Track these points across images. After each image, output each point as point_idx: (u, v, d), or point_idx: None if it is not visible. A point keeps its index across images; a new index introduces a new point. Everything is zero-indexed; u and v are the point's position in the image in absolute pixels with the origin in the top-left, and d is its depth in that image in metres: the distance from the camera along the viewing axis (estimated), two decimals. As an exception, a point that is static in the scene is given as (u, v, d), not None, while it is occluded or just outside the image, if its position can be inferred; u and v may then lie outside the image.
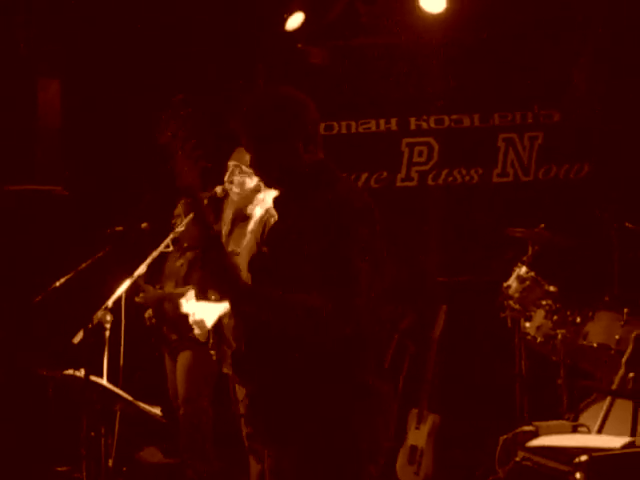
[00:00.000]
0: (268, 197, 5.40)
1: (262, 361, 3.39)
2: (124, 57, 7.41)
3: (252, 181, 5.47)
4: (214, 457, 6.48)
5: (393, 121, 7.81)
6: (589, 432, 4.77)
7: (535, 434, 4.57)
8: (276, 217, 4.99)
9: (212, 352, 5.61)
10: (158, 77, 7.24)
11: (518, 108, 7.67)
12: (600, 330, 6.05)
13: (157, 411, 4.98)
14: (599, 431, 5.25)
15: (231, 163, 5.56)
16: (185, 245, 6.53)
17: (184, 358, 6.33)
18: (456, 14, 7.33)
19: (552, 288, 6.29)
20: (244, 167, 5.44)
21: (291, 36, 7.55)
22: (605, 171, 7.43)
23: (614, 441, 4.26)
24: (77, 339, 5.07)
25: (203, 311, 5.58)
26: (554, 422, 4.83)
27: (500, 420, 6.20)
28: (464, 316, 7.06)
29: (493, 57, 7.57)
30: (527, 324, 6.31)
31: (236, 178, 5.52)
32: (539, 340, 6.23)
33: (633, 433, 4.98)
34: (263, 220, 5.34)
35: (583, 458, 3.94)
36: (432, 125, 7.78)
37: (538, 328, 6.25)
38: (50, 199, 7.18)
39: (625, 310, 5.92)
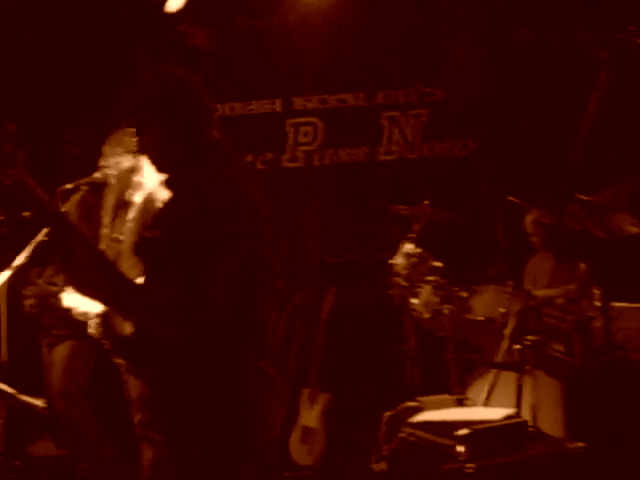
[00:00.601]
0: (145, 180, 5.33)
1: (154, 347, 3.37)
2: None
3: (127, 162, 5.41)
4: (104, 447, 6.39)
5: (277, 102, 7.78)
6: (473, 405, 4.83)
7: (419, 409, 4.61)
8: (158, 201, 4.96)
9: (104, 342, 5.51)
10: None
11: (401, 86, 7.70)
12: (485, 304, 6.12)
13: (40, 403, 4.87)
14: (485, 404, 5.34)
15: (105, 149, 5.51)
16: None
17: (62, 350, 6.21)
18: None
19: (438, 264, 6.35)
20: (116, 148, 5.41)
21: (172, 18, 7.45)
22: (489, 147, 7.52)
23: (496, 413, 4.33)
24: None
25: (85, 303, 5.47)
26: (438, 397, 4.89)
27: (391, 397, 6.24)
28: (353, 295, 7.09)
29: (376, 36, 7.58)
30: (414, 300, 6.35)
31: (111, 160, 5.47)
32: (426, 316, 6.27)
33: (517, 404, 5.07)
34: (144, 207, 5.27)
35: (463, 432, 4.00)
36: (316, 105, 7.77)
37: (425, 304, 6.29)
38: None
39: (509, 283, 6.01)
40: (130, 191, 5.42)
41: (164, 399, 3.35)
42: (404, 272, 6.40)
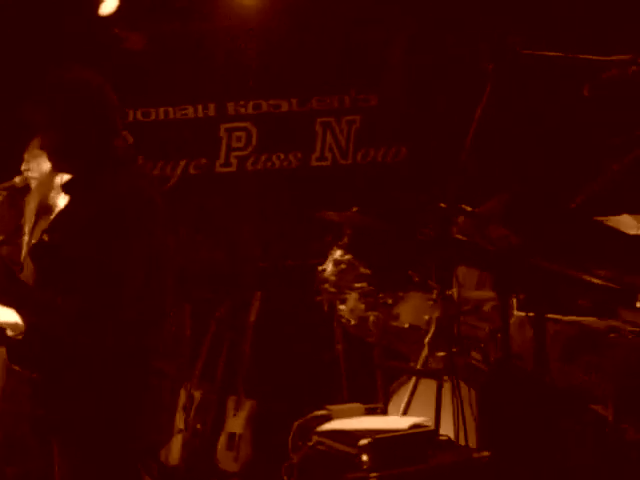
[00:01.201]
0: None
1: (46, 349, 3.37)
2: None
3: (47, 164, 5.36)
4: (37, 453, 6.33)
5: (211, 107, 7.75)
6: (383, 414, 4.83)
7: (328, 418, 4.60)
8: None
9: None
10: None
11: (335, 92, 7.70)
12: (410, 311, 6.13)
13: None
14: (404, 412, 5.35)
15: (27, 155, 5.44)
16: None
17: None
18: (272, -1, 7.35)
19: (366, 271, 6.36)
20: (37, 151, 5.35)
21: (106, 21, 7.41)
22: (421, 154, 7.53)
23: (404, 422, 4.32)
24: None
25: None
26: (348, 405, 4.88)
27: (318, 404, 6.23)
28: (282, 301, 7.08)
29: (311, 41, 7.59)
30: (342, 307, 6.35)
31: (32, 164, 5.41)
32: (353, 322, 6.27)
33: (437, 412, 5.08)
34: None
35: (364, 441, 3.99)
36: (250, 110, 7.74)
37: (352, 311, 6.29)
38: None
39: (435, 291, 6.01)
40: (52, 194, 5.39)
41: (56, 396, 3.37)
42: (333, 278, 6.40)
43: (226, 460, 6.47)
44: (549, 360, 3.54)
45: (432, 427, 4.33)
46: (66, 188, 3.59)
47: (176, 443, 6.66)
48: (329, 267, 6.41)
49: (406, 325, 6.09)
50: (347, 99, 7.70)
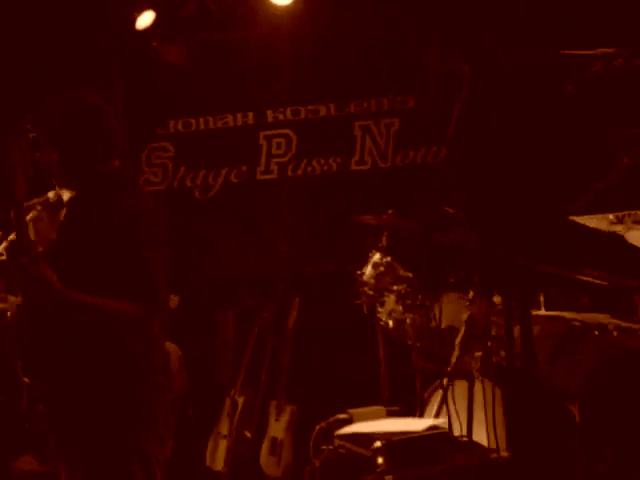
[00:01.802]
0: None
1: (50, 358, 3.47)
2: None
3: None
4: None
5: (250, 115, 7.81)
6: (405, 416, 4.84)
7: (349, 421, 4.63)
8: None
9: None
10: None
11: (373, 95, 7.70)
12: (447, 312, 6.12)
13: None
14: (437, 414, 5.33)
15: None
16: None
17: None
18: (306, 4, 7.36)
19: (405, 273, 6.35)
20: None
21: (143, 35, 7.53)
22: (458, 155, 7.48)
23: (421, 424, 4.33)
24: None
25: None
26: (369, 408, 4.90)
27: (360, 407, 6.24)
28: (323, 306, 7.11)
29: (346, 45, 7.60)
30: (380, 309, 6.36)
31: None
32: (391, 325, 6.28)
33: (469, 413, 5.06)
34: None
35: (377, 444, 4.01)
36: (289, 116, 7.78)
37: (390, 313, 6.30)
38: None
39: (471, 292, 5.99)
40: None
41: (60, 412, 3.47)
42: (371, 281, 6.41)
43: (269, 465, 6.51)
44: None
45: (447, 429, 4.32)
46: (72, 205, 3.68)
47: (221, 449, 6.73)
48: (368, 270, 6.43)
49: (443, 326, 6.08)
50: (385, 102, 7.69)
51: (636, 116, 4.64)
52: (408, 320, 6.19)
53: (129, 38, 7.58)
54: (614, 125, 3.73)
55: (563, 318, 3.95)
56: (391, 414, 4.92)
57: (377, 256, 6.43)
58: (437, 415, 5.27)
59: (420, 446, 4.11)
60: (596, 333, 3.57)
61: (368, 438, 4.18)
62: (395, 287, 6.32)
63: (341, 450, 4.33)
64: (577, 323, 3.80)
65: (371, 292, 6.42)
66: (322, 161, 7.75)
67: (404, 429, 4.24)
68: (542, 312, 4.73)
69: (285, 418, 6.54)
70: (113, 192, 3.56)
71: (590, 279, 3.39)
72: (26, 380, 4.33)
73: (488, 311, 5.67)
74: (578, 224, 3.75)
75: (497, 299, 6.08)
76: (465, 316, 5.58)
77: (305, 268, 7.58)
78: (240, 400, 6.82)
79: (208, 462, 6.83)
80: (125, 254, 3.40)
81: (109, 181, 3.58)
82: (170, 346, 7.50)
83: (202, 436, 7.04)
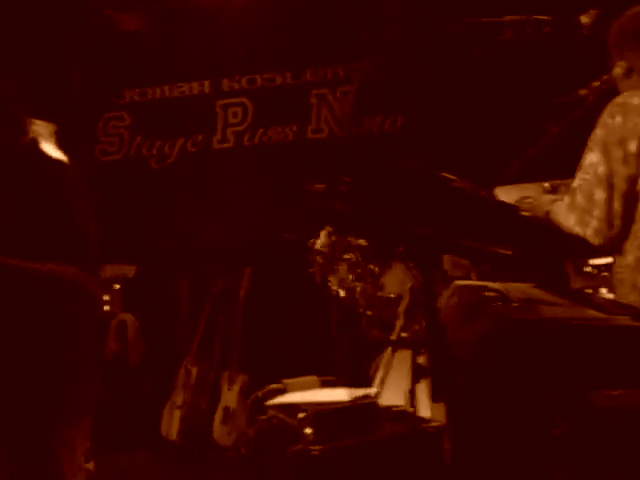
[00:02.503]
0: None
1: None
2: None
3: None
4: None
5: (206, 83, 7.76)
6: (337, 386, 4.82)
7: (282, 391, 4.62)
8: None
9: None
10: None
11: (329, 63, 7.66)
12: (395, 281, 6.11)
13: None
14: (381, 384, 5.33)
15: None
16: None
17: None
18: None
19: (357, 242, 6.33)
20: None
21: (98, 3, 7.49)
22: (418, 122, 7.46)
23: (352, 394, 4.31)
24: None
25: None
26: (303, 378, 4.88)
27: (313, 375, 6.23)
28: (276, 276, 7.10)
29: (303, 12, 7.54)
30: (332, 278, 6.35)
31: None
32: (342, 294, 6.27)
33: (413, 383, 5.06)
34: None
35: (301, 415, 4.00)
36: (244, 85, 7.74)
37: (341, 282, 6.29)
38: None
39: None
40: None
41: None
42: (324, 250, 6.39)
43: (221, 434, 6.53)
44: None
45: (377, 399, 4.31)
46: None
47: (175, 418, 6.74)
48: (321, 238, 6.40)
49: (392, 295, 6.07)
50: (341, 69, 7.65)
51: (554, 84, 4.62)
52: (358, 289, 6.18)
53: (84, 7, 7.52)
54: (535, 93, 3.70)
55: (479, 287, 3.95)
56: (325, 384, 4.91)
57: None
58: (382, 384, 5.27)
59: (348, 416, 4.09)
60: (497, 304, 3.57)
61: (297, 408, 4.17)
62: (346, 256, 6.31)
63: (273, 420, 4.32)
64: (490, 293, 3.79)
65: (324, 261, 6.41)
66: (279, 130, 7.71)
67: (334, 399, 4.23)
68: (465, 282, 4.73)
69: (237, 387, 6.55)
70: (31, 162, 3.53)
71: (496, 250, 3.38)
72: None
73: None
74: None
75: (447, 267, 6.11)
76: (409, 285, 5.58)
77: (260, 238, 7.56)
78: (194, 370, 6.83)
79: (163, 432, 6.84)
80: (49, 217, 3.38)
81: (24, 154, 3.56)
82: (127, 316, 7.53)
83: (158, 406, 7.05)
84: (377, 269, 6.18)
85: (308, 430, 4.06)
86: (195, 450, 6.59)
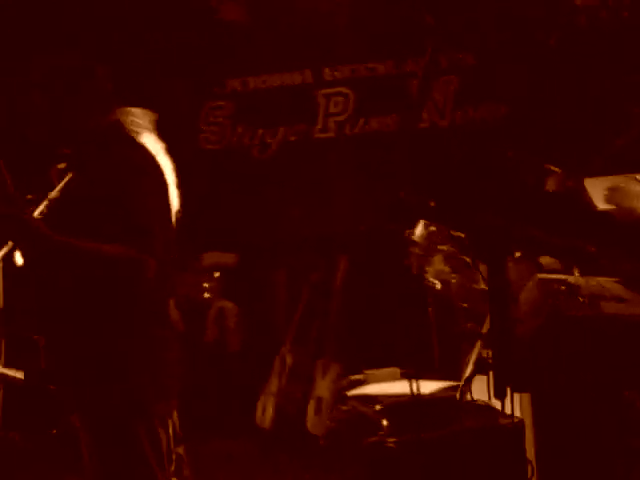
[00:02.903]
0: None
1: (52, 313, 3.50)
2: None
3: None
4: None
5: (307, 73, 7.76)
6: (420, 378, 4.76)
7: (363, 382, 4.59)
8: None
9: None
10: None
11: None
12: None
13: (20, 375, 5.00)
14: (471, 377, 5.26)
15: None
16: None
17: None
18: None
19: (455, 233, 6.26)
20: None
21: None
22: (522, 112, 7.32)
23: (432, 386, 4.27)
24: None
25: None
26: (385, 370, 4.85)
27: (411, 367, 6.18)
28: (374, 266, 7.06)
29: (404, 1, 7.48)
30: (428, 269, 6.29)
31: None
32: (438, 286, 6.21)
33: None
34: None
35: (378, 407, 3.97)
36: (346, 74, 7.72)
37: (437, 273, 6.23)
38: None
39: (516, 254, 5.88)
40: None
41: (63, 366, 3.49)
42: (421, 241, 6.34)
43: (314, 424, 6.52)
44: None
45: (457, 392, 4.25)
46: (73, 159, 3.71)
47: (269, 407, 6.77)
48: (418, 229, 6.35)
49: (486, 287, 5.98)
50: (443, 59, 7.56)
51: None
52: (454, 281, 6.11)
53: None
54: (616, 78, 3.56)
55: (556, 281, 3.85)
56: (405, 376, 4.85)
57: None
58: (471, 378, 5.20)
59: (425, 409, 4.04)
60: (560, 298, 3.47)
61: (375, 400, 4.15)
62: (442, 247, 6.24)
63: (352, 411, 4.31)
64: (562, 287, 3.70)
65: (420, 252, 6.35)
66: (380, 119, 7.66)
67: (414, 391, 4.18)
68: (547, 275, 4.65)
69: (330, 377, 6.53)
70: (110, 145, 3.56)
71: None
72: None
73: (531, 273, 5.58)
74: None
75: (544, 260, 5.99)
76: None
77: (358, 228, 7.52)
78: (289, 358, 6.84)
79: (258, 420, 6.88)
80: (119, 203, 3.39)
81: (105, 135, 3.59)
82: (226, 303, 7.60)
83: (255, 393, 7.09)
84: (473, 262, 6.11)
85: (384, 422, 4.04)
86: (288, 439, 6.61)
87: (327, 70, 7.74)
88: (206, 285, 7.73)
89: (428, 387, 4.31)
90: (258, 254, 7.64)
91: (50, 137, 3.69)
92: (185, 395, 7.15)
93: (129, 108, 5.65)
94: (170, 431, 3.58)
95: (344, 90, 7.73)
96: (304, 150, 7.72)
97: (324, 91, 7.76)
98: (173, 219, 3.60)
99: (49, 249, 3.36)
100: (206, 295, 7.73)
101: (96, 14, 7.47)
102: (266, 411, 6.77)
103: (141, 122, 5.64)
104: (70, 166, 3.68)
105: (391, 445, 3.95)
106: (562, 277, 3.95)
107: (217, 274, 7.73)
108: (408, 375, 4.93)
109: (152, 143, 5.18)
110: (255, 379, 7.19)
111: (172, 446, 4.98)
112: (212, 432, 6.83)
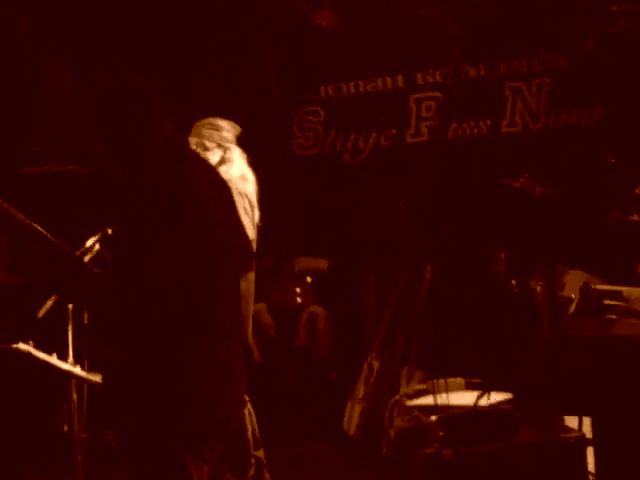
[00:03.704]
0: (231, 170, 5.51)
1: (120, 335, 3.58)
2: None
3: (215, 156, 5.52)
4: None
5: (399, 78, 7.74)
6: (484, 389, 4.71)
7: (425, 392, 4.57)
8: (241, 193, 5.23)
9: None
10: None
11: (524, 55, 7.47)
12: (577, 282, 5.94)
13: (97, 379, 5.12)
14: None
15: (192, 140, 5.60)
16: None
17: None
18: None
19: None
20: (207, 143, 5.51)
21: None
22: (617, 115, 7.17)
23: (497, 397, 4.22)
24: (42, 312, 5.29)
25: None
26: (450, 379, 4.79)
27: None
28: (461, 270, 7.00)
29: (495, 4, 7.39)
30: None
31: (202, 153, 5.54)
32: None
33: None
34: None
35: (433, 418, 3.95)
36: (438, 79, 7.67)
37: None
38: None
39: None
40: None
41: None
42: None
43: (399, 431, 6.50)
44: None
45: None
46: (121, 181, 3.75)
47: (355, 412, 6.77)
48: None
49: (572, 295, 5.89)
50: (536, 61, 7.44)
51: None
52: (538, 288, 6.05)
53: (279, 4, 7.68)
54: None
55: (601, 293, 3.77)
56: (470, 386, 4.80)
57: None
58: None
59: (483, 421, 4.00)
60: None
61: (434, 410, 4.13)
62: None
63: (412, 422, 4.29)
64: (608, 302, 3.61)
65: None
66: (472, 124, 7.60)
67: (471, 403, 4.14)
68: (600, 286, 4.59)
69: (414, 384, 6.49)
70: (160, 162, 3.57)
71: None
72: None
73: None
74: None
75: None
76: (581, 284, 5.41)
77: (448, 233, 7.45)
78: (376, 364, 6.83)
79: (345, 426, 6.89)
80: (126, 234, 3.42)
81: (158, 152, 3.61)
82: (318, 308, 7.65)
83: (343, 398, 7.10)
84: (557, 270, 6.03)
85: (441, 433, 4.01)
86: (373, 445, 6.59)
87: (419, 74, 7.70)
88: (298, 290, 7.82)
89: (493, 398, 4.26)
90: (349, 259, 7.66)
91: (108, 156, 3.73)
92: (274, 398, 7.25)
93: (215, 120, 5.73)
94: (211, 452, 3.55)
95: (436, 94, 7.68)
96: (396, 155, 7.70)
97: (416, 96, 7.73)
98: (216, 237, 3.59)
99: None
100: (298, 300, 7.82)
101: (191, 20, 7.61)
102: (352, 417, 6.77)
103: (226, 135, 5.71)
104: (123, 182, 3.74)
105: (447, 457, 3.93)
106: (605, 288, 3.87)
107: (309, 279, 7.81)
108: (473, 386, 4.92)
109: (237, 156, 5.25)
110: (344, 384, 7.20)
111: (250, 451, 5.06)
112: (300, 436, 6.89)
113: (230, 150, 5.55)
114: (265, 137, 7.67)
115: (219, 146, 5.52)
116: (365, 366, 6.94)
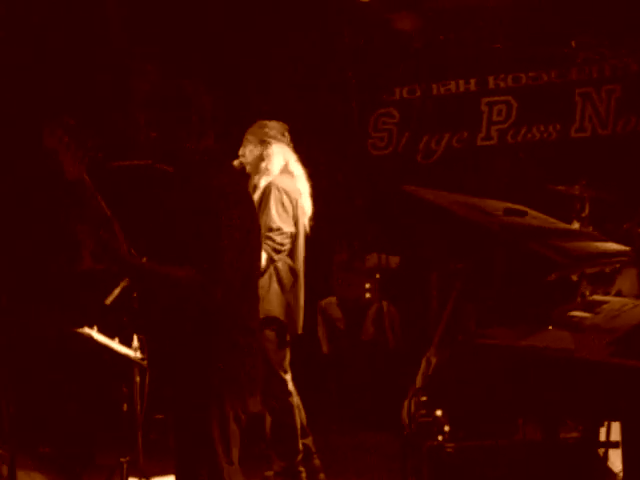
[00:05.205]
0: (271, 166, 5.79)
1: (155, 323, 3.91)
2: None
3: (257, 149, 5.81)
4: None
5: (472, 81, 7.89)
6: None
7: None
8: (279, 188, 5.51)
9: None
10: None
11: (595, 61, 7.53)
12: (628, 283, 6.01)
13: (134, 354, 5.33)
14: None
15: (246, 137, 5.91)
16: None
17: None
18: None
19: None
20: (250, 137, 5.82)
21: (373, 3, 7.85)
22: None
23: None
24: (109, 300, 5.61)
25: None
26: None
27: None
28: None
29: (568, 11, 7.47)
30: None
31: (247, 149, 5.88)
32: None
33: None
34: (264, 191, 5.72)
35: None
36: (510, 83, 7.80)
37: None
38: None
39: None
40: (257, 176, 5.89)
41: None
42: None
43: (452, 426, 6.66)
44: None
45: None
46: (167, 181, 4.02)
47: (412, 406, 6.95)
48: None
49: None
50: (606, 67, 7.50)
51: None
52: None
53: (358, 7, 7.89)
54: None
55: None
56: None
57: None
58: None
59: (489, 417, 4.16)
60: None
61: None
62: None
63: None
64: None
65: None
66: (542, 128, 7.70)
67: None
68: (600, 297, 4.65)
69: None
70: (204, 170, 3.79)
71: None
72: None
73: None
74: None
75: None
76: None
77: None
78: (433, 360, 6.99)
79: (403, 417, 7.07)
80: (199, 230, 3.68)
81: (201, 159, 3.81)
82: (385, 304, 7.86)
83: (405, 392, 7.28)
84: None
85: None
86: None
87: (491, 78, 7.84)
88: (368, 286, 8.04)
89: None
90: (418, 257, 7.84)
91: (152, 157, 3.99)
92: (338, 389, 7.49)
93: (264, 121, 5.96)
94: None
95: (507, 98, 7.81)
96: (467, 157, 7.85)
97: (488, 99, 7.87)
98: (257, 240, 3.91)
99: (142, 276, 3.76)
100: (367, 295, 8.05)
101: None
102: (410, 410, 6.95)
103: (268, 131, 5.92)
104: (165, 183, 4.01)
105: (449, 450, 4.11)
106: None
107: (378, 275, 8.02)
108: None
109: (278, 152, 5.45)
110: (407, 378, 7.38)
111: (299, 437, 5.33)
112: (361, 425, 7.14)
113: (271, 146, 5.82)
114: (341, 137, 7.93)
115: (262, 142, 5.80)
116: (424, 361, 7.11)
